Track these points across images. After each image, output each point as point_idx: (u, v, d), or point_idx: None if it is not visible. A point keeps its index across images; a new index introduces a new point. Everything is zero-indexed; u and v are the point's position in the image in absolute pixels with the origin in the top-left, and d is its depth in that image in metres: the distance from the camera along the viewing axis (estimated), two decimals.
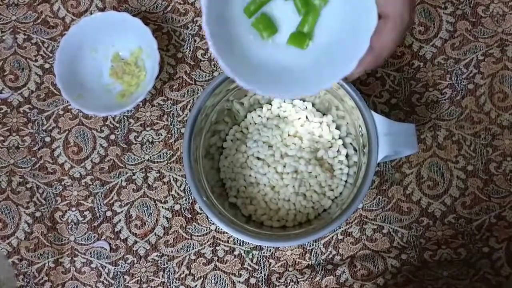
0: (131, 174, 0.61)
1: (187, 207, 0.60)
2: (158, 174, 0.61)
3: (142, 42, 0.61)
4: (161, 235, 0.60)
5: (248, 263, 0.59)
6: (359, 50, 0.33)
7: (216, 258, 0.59)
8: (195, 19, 0.64)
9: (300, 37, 0.37)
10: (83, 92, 0.60)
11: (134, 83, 0.62)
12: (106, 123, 0.62)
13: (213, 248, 0.59)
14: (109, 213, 0.61)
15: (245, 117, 0.59)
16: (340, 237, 0.58)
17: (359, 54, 0.33)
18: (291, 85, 0.36)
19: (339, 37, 0.35)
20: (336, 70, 0.34)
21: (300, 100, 0.58)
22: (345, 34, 0.34)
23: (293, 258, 0.58)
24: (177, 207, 0.60)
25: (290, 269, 0.58)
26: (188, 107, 0.62)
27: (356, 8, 0.34)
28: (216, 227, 0.59)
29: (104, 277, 0.60)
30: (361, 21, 0.33)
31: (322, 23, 0.36)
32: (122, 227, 0.60)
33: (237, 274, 0.59)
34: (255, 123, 0.58)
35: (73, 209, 0.61)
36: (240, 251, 0.59)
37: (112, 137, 0.62)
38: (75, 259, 0.60)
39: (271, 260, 0.59)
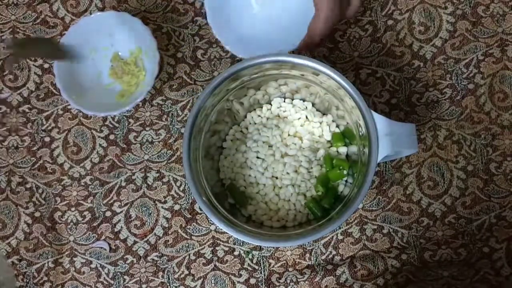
0: (131, 174, 0.61)
1: (187, 207, 0.60)
2: (157, 174, 0.61)
3: (141, 42, 0.61)
4: (161, 235, 0.60)
5: (248, 263, 0.59)
6: (302, 34, 0.53)
7: (216, 258, 0.59)
8: (195, 19, 0.64)
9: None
10: (83, 92, 0.60)
11: (133, 83, 0.62)
12: (106, 123, 0.62)
13: (212, 248, 0.59)
14: (108, 213, 0.61)
15: (245, 117, 0.59)
16: (340, 237, 0.58)
17: (301, 36, 0.53)
18: (262, 49, 0.53)
19: (295, 25, 0.58)
20: (291, 42, 0.56)
21: (300, 100, 0.58)
22: (298, 23, 0.56)
23: (293, 258, 0.58)
24: (176, 207, 0.60)
25: (290, 269, 0.58)
26: (188, 107, 0.62)
27: (306, 9, 0.54)
28: (216, 227, 0.59)
29: (104, 277, 0.60)
30: (307, 16, 0.53)
31: (288, 14, 0.61)
32: (121, 227, 0.60)
33: (237, 274, 0.59)
34: (255, 123, 0.58)
35: (73, 209, 0.61)
36: (240, 251, 0.59)
37: (112, 137, 0.62)
38: (75, 259, 0.60)
39: (271, 260, 0.58)
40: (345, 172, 0.54)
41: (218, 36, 0.59)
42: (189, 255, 0.59)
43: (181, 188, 0.60)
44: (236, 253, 0.59)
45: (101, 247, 0.60)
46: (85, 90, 0.61)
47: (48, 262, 0.60)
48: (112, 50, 0.63)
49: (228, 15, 0.61)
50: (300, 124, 0.57)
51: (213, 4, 0.59)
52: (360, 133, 0.51)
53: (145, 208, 0.60)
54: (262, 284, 0.58)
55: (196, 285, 0.59)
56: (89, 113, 0.59)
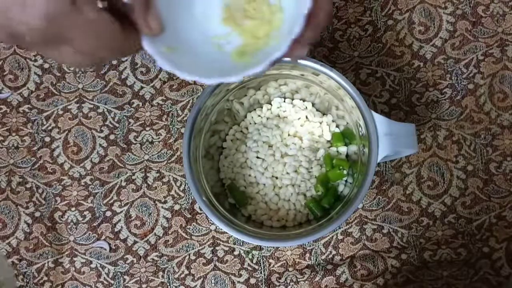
0: (131, 174, 0.61)
1: (187, 207, 0.60)
2: (157, 174, 0.61)
3: None
4: (161, 235, 0.60)
5: (248, 263, 0.59)
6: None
7: (216, 258, 0.59)
8: None
9: None
10: (178, 44, 0.37)
11: (262, 34, 0.38)
12: (106, 123, 0.62)
13: (213, 248, 0.59)
14: (108, 213, 0.61)
15: (245, 117, 0.59)
16: (340, 237, 0.58)
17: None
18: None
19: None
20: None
21: (300, 100, 0.58)
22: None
23: (293, 258, 0.58)
24: (176, 207, 0.60)
25: (290, 269, 0.58)
26: (188, 107, 0.62)
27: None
28: (216, 227, 0.59)
29: (104, 277, 0.60)
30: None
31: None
32: (121, 227, 0.60)
33: (237, 274, 0.59)
34: (255, 123, 0.58)
35: (73, 209, 0.61)
36: (240, 251, 0.59)
37: (112, 137, 0.62)
38: (75, 259, 0.60)
39: (271, 260, 0.58)
40: (345, 172, 0.54)
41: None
42: (189, 255, 0.59)
43: (181, 188, 0.60)
44: (236, 253, 0.59)
45: (101, 247, 0.60)
46: (183, 40, 0.37)
47: (48, 262, 0.60)
48: None
49: None
50: (300, 124, 0.57)
51: None
52: (360, 133, 0.51)
53: (145, 208, 0.60)
54: (262, 284, 0.58)
55: (196, 285, 0.59)
56: (188, 78, 0.35)
